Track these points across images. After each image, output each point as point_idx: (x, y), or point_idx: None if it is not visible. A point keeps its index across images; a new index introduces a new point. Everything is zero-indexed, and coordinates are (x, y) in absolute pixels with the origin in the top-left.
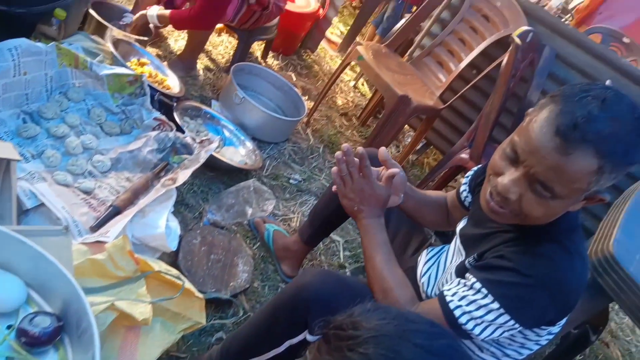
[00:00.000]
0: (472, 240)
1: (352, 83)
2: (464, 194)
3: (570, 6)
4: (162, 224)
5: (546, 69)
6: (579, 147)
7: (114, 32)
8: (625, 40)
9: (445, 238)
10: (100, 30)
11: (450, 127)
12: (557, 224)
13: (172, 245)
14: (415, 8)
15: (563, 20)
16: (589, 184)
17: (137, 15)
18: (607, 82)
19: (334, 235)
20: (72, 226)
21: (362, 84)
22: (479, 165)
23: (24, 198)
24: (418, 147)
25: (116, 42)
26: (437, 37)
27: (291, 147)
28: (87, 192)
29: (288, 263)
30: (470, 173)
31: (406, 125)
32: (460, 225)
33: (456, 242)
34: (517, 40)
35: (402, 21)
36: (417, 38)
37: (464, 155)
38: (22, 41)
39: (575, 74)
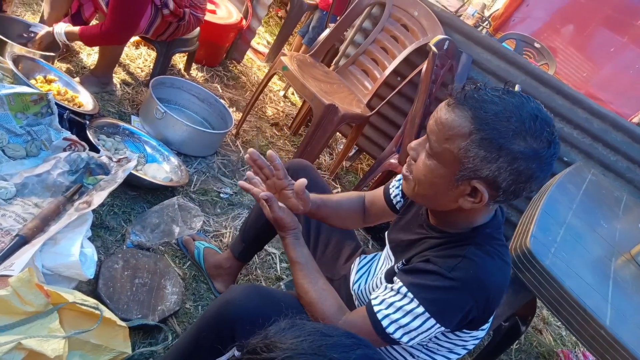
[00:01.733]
0: (401, 246)
1: (281, 93)
2: (397, 197)
3: (487, 14)
4: (75, 251)
5: (464, 74)
6: (460, 106)
7: (14, 48)
8: (537, 45)
9: (381, 243)
10: (0, 48)
11: (380, 133)
12: (480, 231)
13: (89, 273)
14: (339, 18)
15: (481, 28)
16: (459, 149)
17: (43, 32)
18: (517, 87)
19: (269, 248)
20: None
21: (292, 94)
22: None
23: None
24: (351, 153)
25: (17, 59)
26: (361, 46)
27: (220, 160)
28: None
29: (221, 280)
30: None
31: (338, 133)
32: (389, 230)
33: (386, 248)
34: (434, 49)
35: (327, 31)
36: (342, 47)
37: (393, 160)
38: None
39: (491, 78)
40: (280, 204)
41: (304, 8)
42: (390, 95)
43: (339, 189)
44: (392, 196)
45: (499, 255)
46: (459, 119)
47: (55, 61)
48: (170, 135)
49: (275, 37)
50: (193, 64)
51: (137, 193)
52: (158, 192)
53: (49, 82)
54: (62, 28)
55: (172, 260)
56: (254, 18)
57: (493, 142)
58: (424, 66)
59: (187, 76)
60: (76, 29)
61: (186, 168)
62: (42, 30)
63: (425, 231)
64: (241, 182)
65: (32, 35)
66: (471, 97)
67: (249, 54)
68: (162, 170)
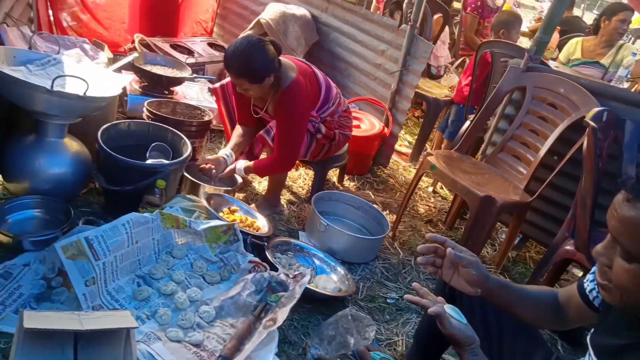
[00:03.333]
0: (609, 353)
1: (430, 189)
2: (593, 291)
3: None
4: None
5: (635, 142)
6: None
7: (206, 188)
8: None
9: (574, 345)
10: (195, 189)
11: (546, 217)
12: None
13: None
14: (477, 107)
15: (625, 86)
16: None
17: (227, 170)
18: None
19: (447, 356)
20: None
21: (441, 188)
22: None
23: None
24: (515, 242)
25: (209, 197)
26: (507, 132)
27: (382, 264)
28: (197, 345)
29: None
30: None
31: (498, 223)
32: (591, 334)
33: (589, 354)
34: (592, 124)
35: (467, 123)
36: (487, 136)
37: (569, 247)
38: (133, 215)
39: None
40: (452, 319)
41: (440, 105)
42: (551, 177)
43: None
44: (587, 291)
45: None
46: None
47: (235, 193)
48: (334, 246)
49: (416, 137)
50: (345, 175)
51: (312, 305)
52: (330, 303)
53: (233, 212)
54: (241, 165)
55: None
56: (395, 124)
57: None
58: (584, 142)
59: (341, 187)
60: (251, 163)
61: (352, 276)
62: (227, 168)
63: (637, 334)
64: (407, 296)
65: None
66: None
67: (394, 157)
68: (331, 280)
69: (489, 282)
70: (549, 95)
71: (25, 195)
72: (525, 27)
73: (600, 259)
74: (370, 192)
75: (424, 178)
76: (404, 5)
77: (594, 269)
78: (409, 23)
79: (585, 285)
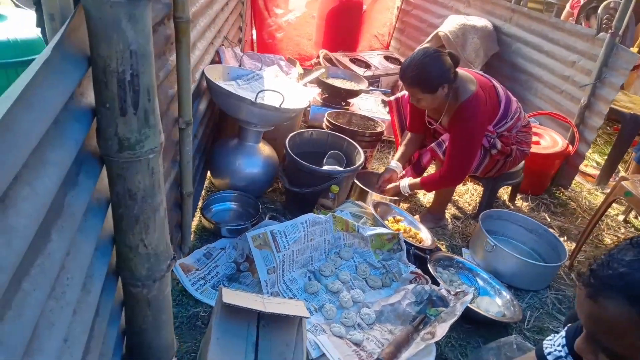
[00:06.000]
0: None
1: (620, 217)
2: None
3: None
4: None
5: None
6: (604, 294)
7: (374, 196)
8: None
9: None
10: (363, 196)
11: None
12: None
13: None
14: None
15: None
16: None
17: (390, 186)
18: None
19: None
20: None
21: (635, 217)
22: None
23: (309, 348)
24: None
25: (376, 205)
26: None
27: (554, 295)
28: (357, 344)
29: None
30: (561, 334)
31: None
32: None
33: None
34: None
35: None
36: None
37: None
38: (310, 215)
39: None
40: None
41: (639, 123)
42: None
43: None
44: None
45: None
46: (613, 309)
47: (401, 203)
48: (500, 268)
49: (605, 157)
50: (517, 194)
51: (471, 326)
52: (491, 327)
53: (397, 221)
54: (406, 182)
55: None
56: (582, 142)
57: None
58: None
59: (512, 207)
60: (417, 180)
61: (518, 303)
62: (391, 176)
63: None
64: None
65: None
66: (607, 278)
67: (577, 178)
68: (495, 304)
69: None
70: None
71: (226, 189)
72: None
73: (588, 356)
74: (546, 215)
75: (614, 205)
76: (600, 10)
77: (553, 336)
78: (609, 31)
79: (548, 352)
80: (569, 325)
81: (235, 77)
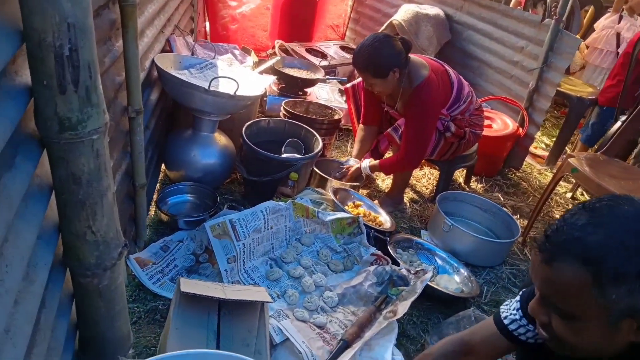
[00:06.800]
0: None
1: (569, 194)
2: (516, 323)
3: None
4: (388, 357)
5: None
6: (558, 258)
7: (333, 183)
8: None
9: None
10: (323, 183)
11: None
12: None
13: None
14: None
15: None
16: (595, 299)
17: (353, 169)
18: None
19: None
20: None
21: (582, 194)
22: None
23: (273, 334)
24: None
25: (335, 191)
26: None
27: (509, 270)
28: (321, 327)
29: None
30: (516, 298)
31: None
32: None
33: None
34: None
35: (617, 124)
36: None
37: None
38: (270, 203)
39: None
40: None
41: (585, 105)
42: None
43: None
44: (510, 327)
45: None
46: (567, 272)
47: (360, 189)
48: (457, 247)
49: (554, 139)
50: (472, 176)
51: (432, 304)
52: (450, 303)
53: (357, 206)
54: (366, 163)
55: None
56: (531, 125)
57: (626, 274)
58: None
59: (467, 188)
60: (376, 162)
61: (476, 279)
62: (353, 166)
63: None
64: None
65: (343, 169)
66: (561, 242)
67: (528, 159)
68: (453, 281)
69: None
70: None
71: (181, 181)
72: None
73: (538, 317)
74: (499, 195)
75: (562, 183)
76: None
77: (509, 301)
78: (554, 17)
79: (509, 322)
80: (524, 289)
81: (188, 66)
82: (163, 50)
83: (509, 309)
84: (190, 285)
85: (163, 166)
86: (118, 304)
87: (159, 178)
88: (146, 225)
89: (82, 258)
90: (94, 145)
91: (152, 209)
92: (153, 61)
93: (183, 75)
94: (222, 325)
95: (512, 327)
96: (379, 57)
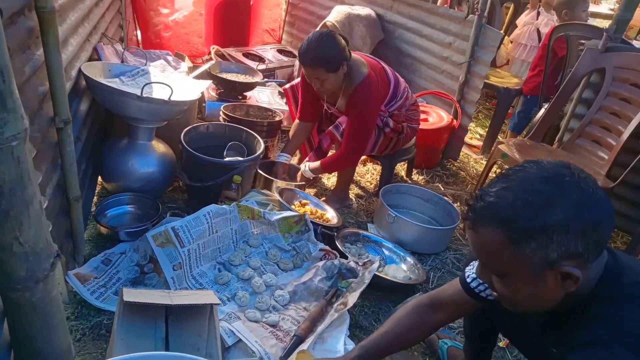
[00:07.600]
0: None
1: None
2: (477, 281)
3: None
4: (340, 347)
5: None
6: (479, 223)
7: (278, 183)
8: None
9: None
10: (268, 185)
11: (629, 204)
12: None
13: None
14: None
15: None
16: (515, 257)
17: (299, 174)
18: None
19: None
20: (265, 358)
21: None
22: None
23: (225, 336)
24: None
25: (281, 191)
26: (585, 117)
27: (453, 255)
28: (274, 325)
29: None
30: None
31: None
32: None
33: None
34: None
35: (542, 111)
36: (563, 123)
37: None
38: (213, 206)
39: None
40: None
41: (512, 95)
42: (636, 160)
43: None
44: (472, 285)
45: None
46: (487, 234)
47: (306, 189)
48: (403, 237)
49: (487, 129)
50: (413, 169)
51: (382, 293)
52: (400, 291)
53: (304, 205)
54: (306, 166)
55: (422, 358)
56: (464, 116)
57: (532, 229)
58: None
59: (410, 181)
60: (317, 163)
61: (422, 266)
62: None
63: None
64: None
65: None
66: (480, 209)
67: (464, 150)
68: (401, 269)
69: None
70: (631, 76)
71: (120, 192)
72: (607, 9)
73: (482, 279)
74: (440, 185)
75: (496, 169)
76: None
77: (473, 264)
78: (477, 13)
79: (471, 281)
80: None
81: (118, 74)
82: (90, 59)
83: (473, 269)
84: (134, 295)
85: (100, 179)
86: (55, 317)
87: (96, 191)
88: (84, 239)
89: (11, 271)
90: (14, 152)
91: (92, 223)
92: (80, 70)
93: (114, 83)
94: (170, 332)
95: (473, 284)
96: (330, 51)
